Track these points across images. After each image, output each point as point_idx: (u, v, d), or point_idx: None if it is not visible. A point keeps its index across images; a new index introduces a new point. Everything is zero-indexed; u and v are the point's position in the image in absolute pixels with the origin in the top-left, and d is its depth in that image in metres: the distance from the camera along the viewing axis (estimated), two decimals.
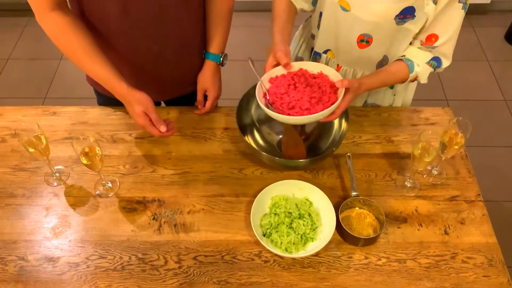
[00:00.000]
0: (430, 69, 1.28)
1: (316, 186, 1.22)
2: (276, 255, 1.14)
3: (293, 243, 1.14)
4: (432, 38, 1.23)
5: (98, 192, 1.27)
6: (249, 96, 1.33)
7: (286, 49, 1.18)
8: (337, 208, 1.20)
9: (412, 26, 1.21)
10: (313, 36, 1.45)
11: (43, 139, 1.19)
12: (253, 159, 1.33)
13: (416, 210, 1.23)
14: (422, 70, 1.27)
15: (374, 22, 1.21)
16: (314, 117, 1.08)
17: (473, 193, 1.26)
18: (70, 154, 1.35)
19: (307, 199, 1.22)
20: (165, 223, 1.21)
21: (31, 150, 1.17)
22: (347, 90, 1.12)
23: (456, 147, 1.20)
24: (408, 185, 1.28)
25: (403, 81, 1.31)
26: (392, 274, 1.11)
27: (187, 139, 1.39)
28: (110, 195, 1.26)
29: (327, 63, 1.43)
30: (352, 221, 1.19)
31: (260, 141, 1.36)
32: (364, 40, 1.28)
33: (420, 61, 1.26)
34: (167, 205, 1.24)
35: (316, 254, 1.14)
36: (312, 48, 1.46)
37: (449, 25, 1.20)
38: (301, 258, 1.13)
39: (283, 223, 1.16)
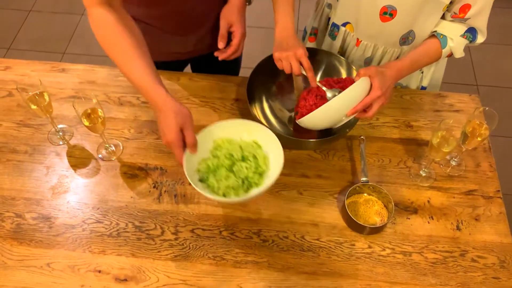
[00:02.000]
0: (466, 41, 1.18)
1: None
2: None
3: (233, 188, 1.03)
4: (465, 9, 1.12)
5: (100, 155, 1.24)
6: (263, 67, 1.26)
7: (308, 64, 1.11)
8: (344, 193, 1.14)
9: None
10: (329, 6, 1.36)
11: (46, 96, 1.15)
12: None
13: (428, 201, 1.16)
14: (456, 44, 1.17)
15: None
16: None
17: (492, 189, 1.18)
18: (75, 113, 1.31)
19: (255, 142, 1.10)
20: (166, 192, 1.17)
21: (33, 107, 1.14)
22: (373, 85, 1.06)
23: (479, 139, 1.11)
24: (423, 174, 1.20)
25: (436, 59, 1.21)
26: (395, 266, 1.06)
27: (195, 108, 1.33)
28: (112, 159, 1.23)
29: (345, 38, 1.34)
30: (358, 208, 1.13)
31: (270, 117, 1.29)
32: (388, 13, 1.18)
33: (453, 35, 1.16)
34: (169, 174, 1.20)
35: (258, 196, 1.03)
36: (329, 19, 1.37)
37: None
38: (241, 200, 1.07)
39: (223, 166, 1.05)
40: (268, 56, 1.24)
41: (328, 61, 1.28)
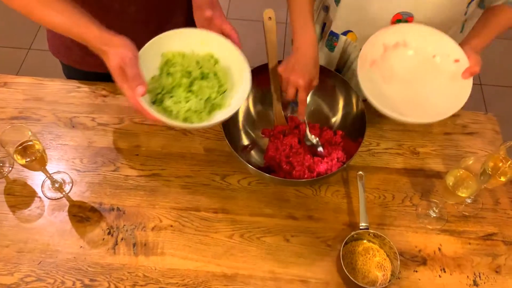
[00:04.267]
0: None
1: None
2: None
3: (195, 111, 0.87)
4: None
5: (44, 192, 1.02)
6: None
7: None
8: (339, 240, 0.95)
9: None
10: (325, 8, 1.14)
11: None
12: (241, 164, 1.06)
13: (439, 249, 0.97)
14: None
15: None
16: None
17: None
18: (18, 138, 1.09)
19: (211, 56, 0.92)
20: (123, 240, 0.97)
21: None
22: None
23: (502, 178, 0.91)
24: (433, 215, 1.01)
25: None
26: None
27: (161, 131, 1.12)
28: (59, 197, 1.02)
29: (345, 48, 1.12)
30: (357, 259, 0.94)
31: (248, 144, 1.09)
32: (402, 20, 0.97)
33: None
34: (128, 216, 1.00)
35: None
36: (324, 24, 1.15)
37: None
38: (206, 126, 0.90)
39: (180, 86, 0.88)
40: (257, 67, 1.01)
41: (323, 80, 1.07)
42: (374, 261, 0.94)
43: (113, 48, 0.81)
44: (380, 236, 0.93)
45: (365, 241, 0.96)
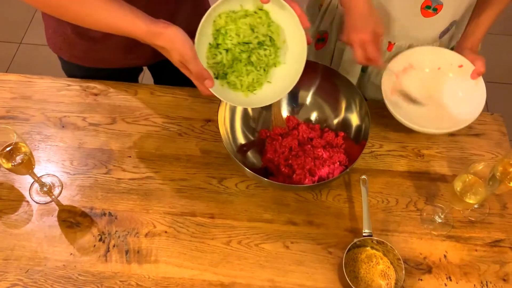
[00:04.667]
0: None
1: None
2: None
3: (257, 82, 0.89)
4: None
5: (32, 196, 0.98)
6: None
7: None
8: (341, 246, 0.91)
9: None
10: None
11: None
12: (238, 166, 1.01)
13: (445, 256, 0.94)
14: None
15: None
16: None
17: None
18: (4, 139, 1.04)
19: (260, 9, 0.86)
20: (115, 247, 0.92)
21: None
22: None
23: (511, 184, 0.88)
24: (438, 220, 0.97)
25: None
26: None
27: (155, 132, 1.07)
28: (48, 201, 0.97)
29: None
30: (359, 267, 0.90)
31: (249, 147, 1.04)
32: (431, 7, 0.96)
33: None
34: (120, 222, 0.95)
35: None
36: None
37: None
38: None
39: (240, 61, 0.88)
40: None
41: (325, 79, 1.02)
42: (378, 269, 0.90)
43: (168, 44, 0.77)
44: (383, 243, 0.89)
45: (368, 248, 0.92)
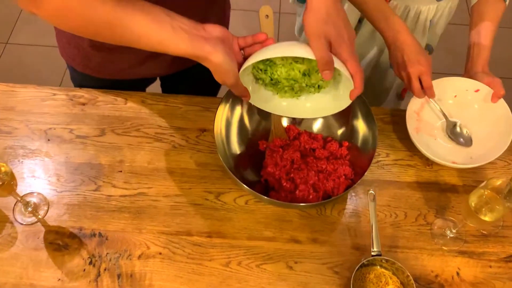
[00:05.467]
0: None
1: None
2: None
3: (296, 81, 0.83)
4: None
5: (16, 217, 0.91)
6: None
7: None
8: (347, 266, 0.85)
9: None
10: None
11: None
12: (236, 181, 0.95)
13: (457, 273, 0.88)
14: None
15: None
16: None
17: None
18: None
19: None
20: (106, 271, 0.86)
21: None
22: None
23: None
24: (450, 235, 0.91)
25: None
26: None
27: (147, 144, 1.00)
28: (33, 222, 0.91)
29: None
30: (368, 286, 0.84)
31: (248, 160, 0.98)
32: None
33: None
34: (111, 243, 0.89)
35: None
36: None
37: None
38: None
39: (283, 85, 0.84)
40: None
41: None
42: None
43: (212, 68, 0.72)
44: (393, 263, 0.84)
45: (377, 267, 0.86)
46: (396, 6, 1.09)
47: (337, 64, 0.73)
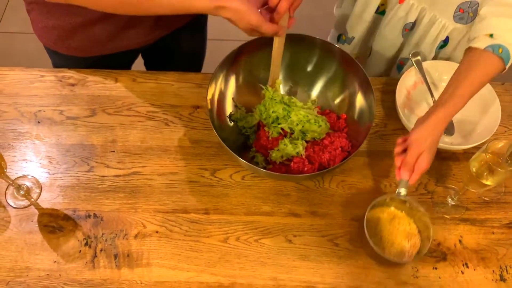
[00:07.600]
0: None
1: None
2: None
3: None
4: None
5: (9, 200, 0.89)
6: (234, 59, 0.91)
7: None
8: (347, 237, 0.84)
9: None
10: None
11: None
12: (232, 155, 0.93)
13: (460, 241, 0.87)
14: None
15: None
16: None
17: None
18: None
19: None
20: (102, 251, 0.84)
21: None
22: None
23: None
24: (451, 203, 0.90)
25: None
26: None
27: (140, 122, 0.98)
28: (26, 205, 0.89)
29: None
30: (382, 226, 0.82)
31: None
32: None
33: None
34: (106, 223, 0.87)
35: None
36: None
37: None
38: None
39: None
40: (248, 42, 0.89)
41: (324, 56, 0.93)
42: (401, 229, 0.82)
43: (234, 15, 0.76)
44: (416, 207, 0.81)
45: (392, 208, 0.83)
46: (412, 5, 1.01)
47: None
